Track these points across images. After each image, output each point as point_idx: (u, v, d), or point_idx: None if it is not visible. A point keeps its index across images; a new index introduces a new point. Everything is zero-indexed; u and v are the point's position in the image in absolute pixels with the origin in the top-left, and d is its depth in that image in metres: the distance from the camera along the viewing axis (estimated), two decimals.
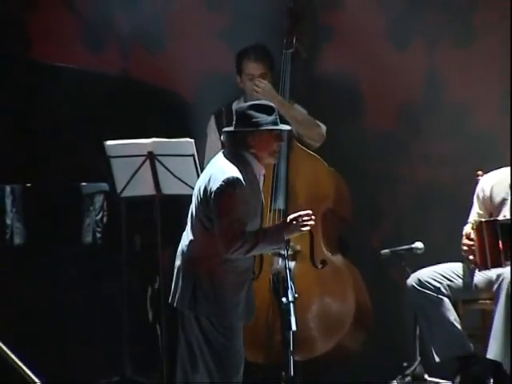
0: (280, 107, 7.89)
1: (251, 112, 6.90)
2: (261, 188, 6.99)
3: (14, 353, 8.19)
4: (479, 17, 8.68)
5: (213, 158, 8.01)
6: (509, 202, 7.89)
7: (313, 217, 6.86)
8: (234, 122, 6.95)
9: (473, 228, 7.75)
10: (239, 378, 7.01)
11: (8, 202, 7.92)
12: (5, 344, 8.25)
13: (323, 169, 8.12)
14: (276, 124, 6.89)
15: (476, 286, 7.84)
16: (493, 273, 7.73)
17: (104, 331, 8.39)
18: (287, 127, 6.97)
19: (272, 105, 6.93)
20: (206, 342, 6.90)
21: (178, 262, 6.96)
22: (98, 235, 8.12)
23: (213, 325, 6.88)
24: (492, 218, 7.78)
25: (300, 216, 6.88)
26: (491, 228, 7.70)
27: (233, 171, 6.88)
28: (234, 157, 6.95)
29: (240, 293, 6.97)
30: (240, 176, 6.91)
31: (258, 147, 6.92)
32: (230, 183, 6.81)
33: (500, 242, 7.68)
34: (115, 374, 7.85)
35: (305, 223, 6.91)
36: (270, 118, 6.89)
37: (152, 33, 8.79)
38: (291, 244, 7.82)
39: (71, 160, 7.97)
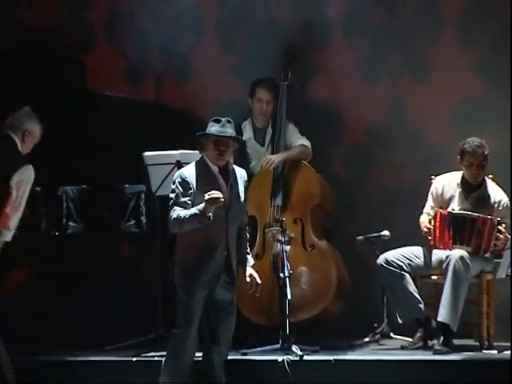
0: (285, 156, 8.02)
1: (209, 122, 6.83)
2: (222, 182, 6.80)
3: (73, 315, 8.32)
4: (432, 56, 8.55)
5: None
6: (456, 199, 7.84)
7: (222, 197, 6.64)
8: None
9: (432, 217, 7.73)
10: (191, 327, 6.83)
11: (67, 199, 7.83)
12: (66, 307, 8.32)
13: (311, 174, 8.07)
14: (218, 132, 6.76)
15: (430, 264, 7.78)
16: (443, 254, 7.69)
17: (142, 297, 8.36)
18: (225, 134, 6.74)
19: (229, 119, 6.82)
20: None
21: None
22: (139, 225, 8.03)
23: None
24: (447, 210, 7.74)
25: (211, 194, 6.64)
26: (445, 218, 7.69)
27: (184, 170, 6.84)
28: (199, 158, 6.89)
29: (199, 267, 6.81)
30: (187, 173, 6.82)
31: (208, 150, 6.82)
32: (175, 178, 6.81)
33: (450, 229, 7.67)
34: (150, 332, 7.77)
35: (216, 199, 6.64)
36: (214, 128, 6.79)
37: (180, 69, 8.72)
38: (287, 232, 7.67)
39: (117, 167, 7.89)
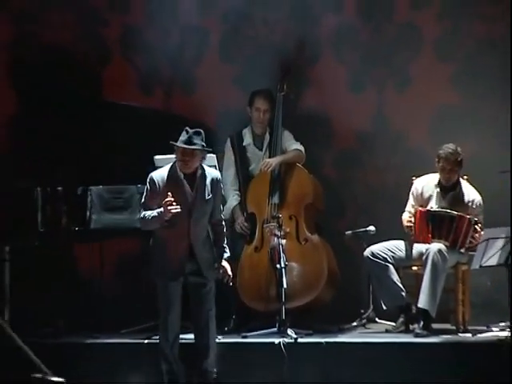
0: (281, 159, 7.99)
1: (182, 132, 6.84)
2: (186, 186, 6.81)
3: (93, 302, 8.25)
4: (412, 69, 8.55)
5: (228, 167, 8.12)
6: (434, 198, 7.84)
7: (175, 207, 6.69)
8: None
9: (413, 214, 7.74)
10: (171, 310, 6.88)
11: (89, 199, 7.79)
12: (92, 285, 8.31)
13: (305, 175, 8.05)
14: (183, 142, 6.78)
15: (411, 256, 7.79)
16: (423, 247, 7.70)
17: (154, 286, 8.33)
18: (192, 147, 6.75)
19: (198, 130, 6.83)
20: None
21: None
22: None
23: None
24: (426, 208, 7.74)
25: (166, 203, 6.68)
26: (422, 215, 7.69)
27: (155, 172, 6.93)
28: (173, 163, 6.91)
29: (165, 260, 6.88)
30: (157, 175, 6.87)
31: (176, 158, 6.85)
32: (148, 179, 6.88)
33: (429, 225, 7.67)
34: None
35: (169, 209, 6.69)
36: (182, 138, 6.81)
37: (187, 80, 8.63)
38: (283, 227, 7.67)
39: (130, 168, 7.83)
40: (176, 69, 8.62)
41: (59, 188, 7.76)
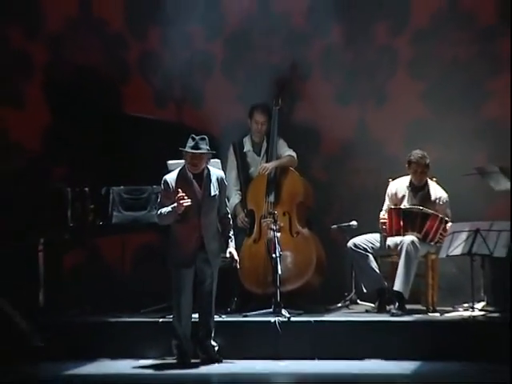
0: (277, 164, 7.98)
1: (188, 139, 6.85)
2: (195, 185, 6.83)
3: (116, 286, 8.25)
4: (390, 86, 8.55)
5: (230, 170, 8.13)
6: (406, 197, 7.85)
7: (186, 201, 6.70)
8: None
9: (387, 212, 7.76)
10: (183, 293, 6.86)
11: (111, 197, 7.80)
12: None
13: (297, 177, 8.06)
14: (190, 148, 6.80)
15: (388, 247, 7.81)
16: (398, 239, 7.71)
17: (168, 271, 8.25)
18: (199, 151, 6.78)
19: (203, 136, 6.85)
20: None
21: None
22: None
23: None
24: (398, 206, 7.76)
25: (178, 198, 6.71)
26: (397, 212, 7.72)
27: (168, 175, 6.93)
28: (182, 166, 6.93)
29: (180, 249, 6.87)
30: (170, 178, 6.87)
31: (186, 161, 6.88)
32: (162, 181, 6.89)
33: (401, 221, 7.69)
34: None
35: (181, 203, 6.72)
36: (189, 145, 6.82)
37: (195, 97, 8.61)
38: (278, 222, 7.64)
39: (147, 172, 7.77)
40: (186, 86, 8.58)
41: (86, 189, 7.76)
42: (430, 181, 7.88)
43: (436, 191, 7.84)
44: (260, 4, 8.64)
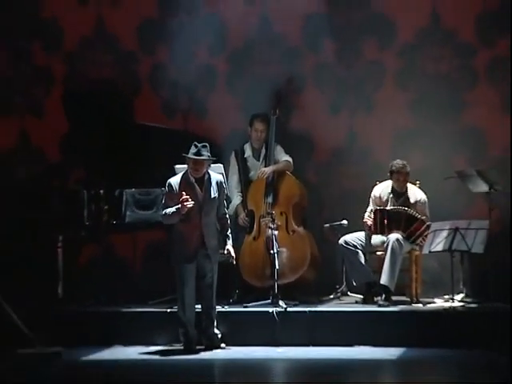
0: (274, 168, 7.96)
1: (191, 146, 6.86)
2: (197, 188, 6.86)
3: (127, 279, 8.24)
4: (377, 97, 8.51)
5: (232, 174, 8.10)
6: (389, 202, 7.83)
7: (190, 202, 6.71)
8: None
9: (372, 213, 7.75)
10: (187, 286, 6.87)
11: (124, 199, 7.79)
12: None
13: (293, 181, 8.05)
14: (193, 154, 6.80)
15: (376, 244, 7.79)
16: (384, 237, 7.70)
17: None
18: (201, 158, 6.80)
19: (205, 144, 6.84)
20: None
21: None
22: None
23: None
24: (382, 207, 7.75)
25: (183, 200, 6.73)
26: (381, 213, 7.70)
27: (172, 178, 6.93)
28: (185, 170, 6.94)
29: (183, 246, 6.87)
30: (173, 181, 6.77)
31: (188, 166, 6.89)
32: (166, 184, 6.89)
33: (385, 221, 7.67)
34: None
35: (185, 204, 6.75)
36: (192, 151, 6.82)
37: (200, 107, 8.60)
38: (275, 221, 7.63)
39: (157, 175, 7.70)
40: (192, 98, 8.59)
41: (100, 191, 7.77)
42: (409, 185, 7.87)
43: (416, 194, 7.84)
44: (260, 23, 8.60)
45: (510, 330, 6.83)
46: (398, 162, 7.74)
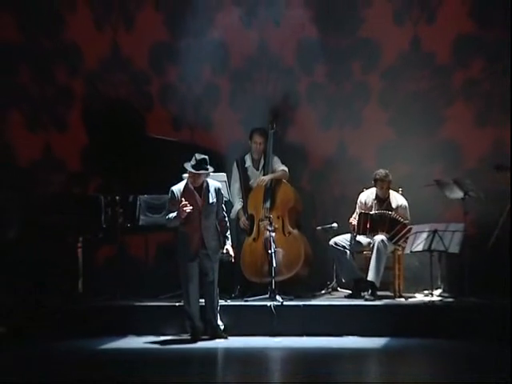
0: (272, 177, 7.92)
1: (192, 157, 6.84)
2: (196, 195, 6.85)
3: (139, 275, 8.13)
4: (364, 113, 8.48)
5: (234, 182, 8.06)
6: (373, 208, 7.84)
7: (188, 208, 6.69)
8: None
9: (358, 215, 7.74)
10: (190, 282, 6.84)
11: (138, 204, 7.80)
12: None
13: (288, 188, 8.04)
14: (191, 167, 6.79)
15: (362, 244, 7.78)
16: (370, 238, 7.70)
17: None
18: (198, 172, 6.79)
19: (204, 157, 6.81)
20: None
21: None
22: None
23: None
24: (366, 211, 7.75)
25: (182, 206, 6.76)
26: (365, 216, 7.69)
27: (175, 186, 6.91)
28: (186, 179, 6.92)
29: (185, 246, 6.85)
30: (175, 188, 6.88)
31: (188, 176, 6.89)
32: (169, 191, 6.87)
33: (368, 224, 7.66)
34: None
35: (184, 210, 6.75)
36: (192, 163, 6.81)
37: (206, 122, 8.59)
38: (273, 224, 7.63)
39: (166, 183, 7.51)
40: (198, 113, 8.60)
41: (117, 197, 7.75)
42: (392, 191, 7.87)
43: (397, 200, 7.84)
44: (259, 47, 8.62)
45: (510, 323, 6.77)
46: (381, 172, 7.76)
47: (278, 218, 7.94)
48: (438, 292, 7.74)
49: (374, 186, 7.84)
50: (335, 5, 8.46)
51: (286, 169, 8.09)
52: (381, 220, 7.68)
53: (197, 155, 6.89)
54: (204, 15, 8.44)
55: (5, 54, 8.58)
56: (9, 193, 7.73)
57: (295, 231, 7.97)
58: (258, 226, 7.97)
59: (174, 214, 6.87)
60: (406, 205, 7.82)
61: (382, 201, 7.85)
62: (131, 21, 8.66)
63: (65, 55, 8.72)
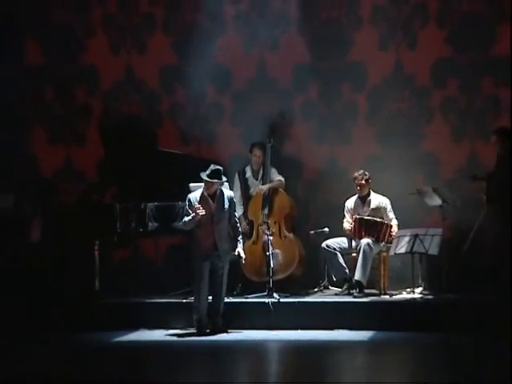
0: (270, 186, 7.91)
1: (209, 167, 6.86)
2: (210, 201, 6.86)
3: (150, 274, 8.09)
4: (352, 130, 8.43)
5: (236, 191, 7.99)
6: (358, 207, 7.81)
7: (201, 211, 6.73)
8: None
9: (353, 221, 7.73)
10: (202, 280, 6.83)
11: (148, 210, 7.73)
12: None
13: (285, 196, 8.02)
14: (206, 176, 6.80)
15: (351, 247, 7.78)
16: (358, 242, 7.70)
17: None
18: (211, 180, 6.81)
19: (219, 168, 6.82)
20: None
21: None
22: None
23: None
24: (360, 216, 7.72)
25: (196, 210, 6.78)
26: (359, 221, 7.70)
27: (191, 194, 6.92)
28: (203, 188, 6.93)
29: (199, 248, 6.86)
30: (192, 196, 6.84)
31: (204, 185, 6.89)
32: (187, 198, 6.87)
33: (362, 227, 7.68)
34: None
35: (198, 213, 6.78)
36: (207, 173, 6.81)
37: (210, 137, 8.52)
38: (270, 229, 7.62)
39: (174, 192, 7.67)
40: (203, 129, 8.54)
41: (130, 204, 7.66)
42: (373, 193, 7.88)
43: (378, 198, 7.82)
44: (258, 70, 8.58)
45: (510, 320, 6.68)
46: (357, 172, 7.81)
47: (275, 223, 7.93)
48: (419, 290, 7.72)
49: (354, 185, 7.84)
50: (327, 31, 8.44)
51: (283, 179, 8.08)
52: (369, 224, 7.69)
53: (212, 166, 6.93)
54: (209, 41, 8.38)
55: (31, 76, 8.65)
56: (34, 200, 7.80)
57: (291, 235, 7.97)
58: (257, 230, 7.95)
59: (190, 218, 6.89)
60: (387, 202, 7.79)
61: (364, 199, 7.83)
62: (143, 46, 8.65)
63: (84, 77, 8.75)
